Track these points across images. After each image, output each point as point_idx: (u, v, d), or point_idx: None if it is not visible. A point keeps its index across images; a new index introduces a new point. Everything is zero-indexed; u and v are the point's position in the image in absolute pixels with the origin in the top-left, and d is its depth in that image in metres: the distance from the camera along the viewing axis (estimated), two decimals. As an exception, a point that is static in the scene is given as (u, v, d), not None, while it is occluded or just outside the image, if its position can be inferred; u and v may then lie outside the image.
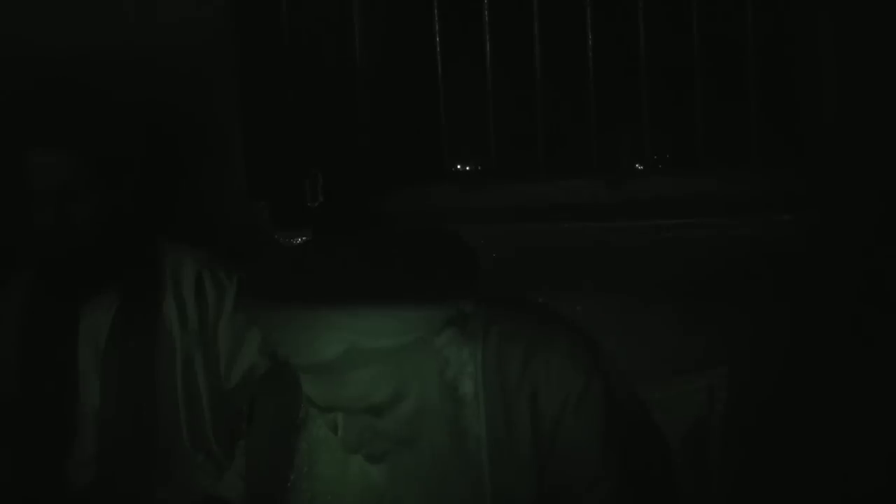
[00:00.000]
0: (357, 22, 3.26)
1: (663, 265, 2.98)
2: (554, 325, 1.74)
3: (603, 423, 1.68)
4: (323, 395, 1.61)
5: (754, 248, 2.98)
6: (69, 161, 2.29)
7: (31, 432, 2.36)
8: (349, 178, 3.21)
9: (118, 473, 2.34)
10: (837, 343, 2.86)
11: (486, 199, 3.26)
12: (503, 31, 3.26)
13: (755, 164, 3.21)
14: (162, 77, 2.94)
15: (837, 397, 2.84)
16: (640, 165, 3.29)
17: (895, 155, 2.96)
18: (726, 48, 3.24)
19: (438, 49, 3.25)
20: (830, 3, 3.05)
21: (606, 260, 3.01)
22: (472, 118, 3.29)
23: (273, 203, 3.11)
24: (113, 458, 2.35)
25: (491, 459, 1.68)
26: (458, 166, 3.36)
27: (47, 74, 2.81)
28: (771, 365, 2.85)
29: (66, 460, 2.36)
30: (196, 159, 3.00)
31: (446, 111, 3.28)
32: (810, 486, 2.83)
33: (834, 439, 2.84)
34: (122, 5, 2.97)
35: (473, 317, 1.65)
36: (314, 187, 2.57)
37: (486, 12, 3.24)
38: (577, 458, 1.68)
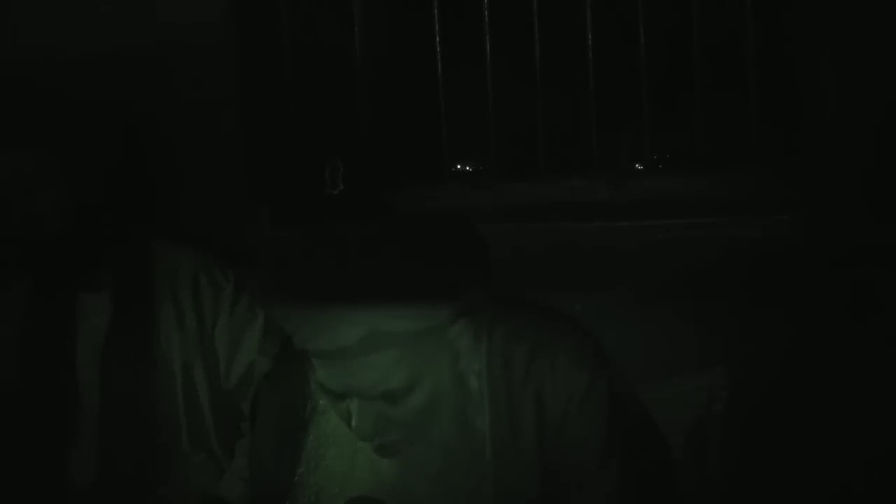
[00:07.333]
0: (357, 22, 3.26)
1: (663, 265, 2.99)
2: (557, 324, 1.75)
3: (605, 421, 1.68)
4: (338, 380, 1.61)
5: (754, 248, 2.98)
6: (33, 160, 2.27)
7: (33, 432, 2.36)
8: (349, 179, 3.21)
9: (119, 473, 2.34)
10: (836, 343, 2.87)
11: (486, 199, 3.26)
12: (503, 31, 3.26)
13: (755, 164, 3.21)
14: (163, 77, 2.94)
15: (836, 397, 2.85)
16: (640, 165, 3.29)
17: (893, 155, 2.97)
18: (726, 48, 3.24)
19: (438, 49, 3.25)
20: (830, 2, 3.05)
21: (606, 260, 3.02)
22: (472, 118, 3.30)
23: (273, 203, 3.11)
24: (113, 457, 2.35)
25: (495, 455, 1.69)
26: (458, 166, 3.36)
27: (41, 76, 2.81)
28: (770, 365, 2.85)
29: (67, 460, 2.36)
30: (197, 160, 3.00)
31: (446, 111, 3.29)
32: (809, 486, 2.83)
33: (833, 439, 2.85)
34: (123, 6, 2.97)
35: (480, 312, 1.66)
36: (335, 175, 2.58)
37: (486, 12, 3.24)
38: (580, 455, 1.69)
